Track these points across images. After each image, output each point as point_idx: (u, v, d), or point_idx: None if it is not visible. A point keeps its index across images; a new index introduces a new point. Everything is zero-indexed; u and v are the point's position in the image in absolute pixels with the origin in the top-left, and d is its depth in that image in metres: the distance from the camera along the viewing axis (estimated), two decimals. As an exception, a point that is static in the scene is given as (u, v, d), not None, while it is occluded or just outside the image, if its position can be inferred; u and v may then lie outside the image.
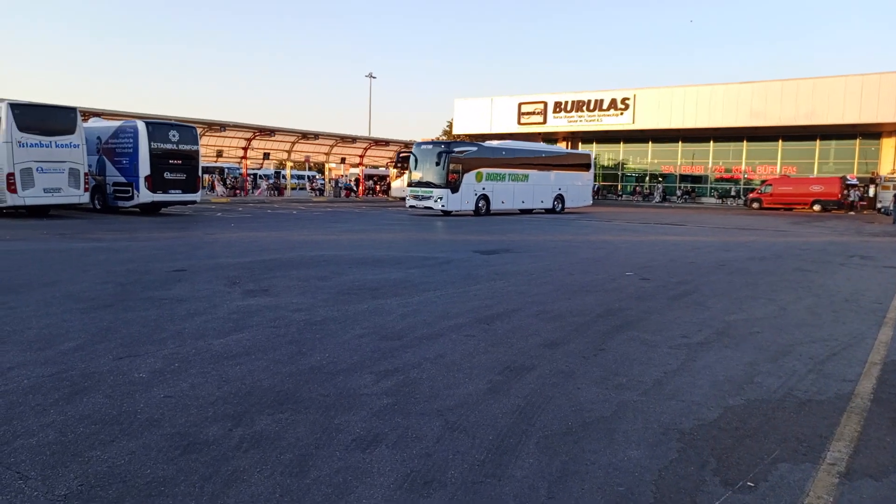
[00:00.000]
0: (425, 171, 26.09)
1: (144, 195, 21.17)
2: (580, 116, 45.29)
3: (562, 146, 47.57)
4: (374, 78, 62.27)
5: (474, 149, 26.89)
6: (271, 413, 4.04)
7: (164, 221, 19.59)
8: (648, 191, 48.53)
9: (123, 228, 16.67)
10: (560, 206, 30.94)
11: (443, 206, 25.52)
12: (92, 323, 6.20)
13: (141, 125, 21.17)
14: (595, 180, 52.61)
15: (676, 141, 48.13)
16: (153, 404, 4.13)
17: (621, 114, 43.76)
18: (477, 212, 26.72)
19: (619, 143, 51.15)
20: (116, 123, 22.59)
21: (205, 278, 8.97)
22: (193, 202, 23.48)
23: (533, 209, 29.96)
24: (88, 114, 25.36)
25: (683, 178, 48.81)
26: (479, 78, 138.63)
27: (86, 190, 20.08)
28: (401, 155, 30.86)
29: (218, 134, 35.83)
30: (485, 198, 27.05)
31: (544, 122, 46.25)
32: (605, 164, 53.20)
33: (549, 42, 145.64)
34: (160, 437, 3.63)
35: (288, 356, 5.27)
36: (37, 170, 18.65)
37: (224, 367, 4.94)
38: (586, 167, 33.77)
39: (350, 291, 8.24)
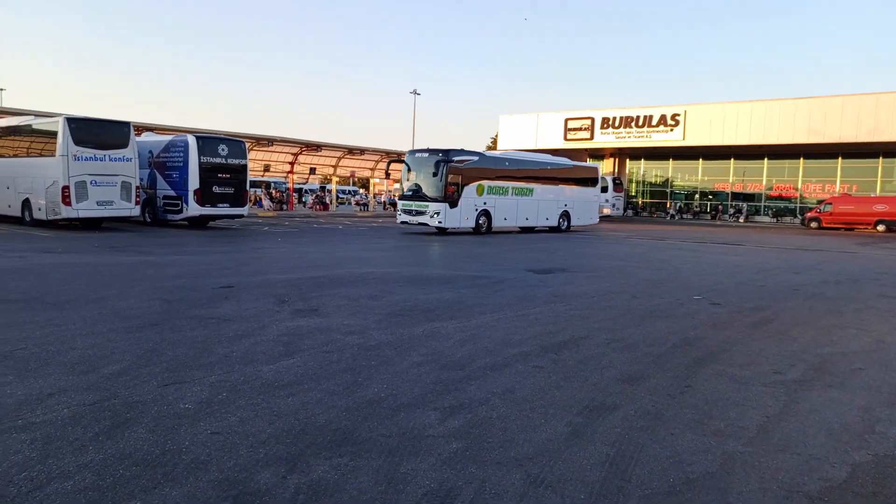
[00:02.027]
0: (420, 182, 23.29)
1: (193, 209, 21.27)
2: (628, 132, 44.40)
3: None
4: (419, 94, 62.41)
5: (475, 158, 24.15)
6: (329, 457, 3.59)
7: (212, 235, 19.59)
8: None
9: (172, 242, 16.65)
10: (566, 223, 28.51)
11: (440, 222, 22.70)
12: (137, 344, 5.89)
13: (191, 139, 21.31)
14: (642, 197, 51.61)
15: (728, 158, 46.79)
16: (199, 442, 3.73)
17: (671, 130, 42.73)
18: (477, 229, 24.10)
19: (667, 159, 50.03)
20: (167, 138, 22.84)
21: (252, 296, 8.66)
22: (241, 216, 23.54)
23: (536, 227, 27.57)
24: (141, 128, 25.78)
25: (735, 195, 47.34)
26: (525, 94, 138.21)
27: (137, 203, 20.22)
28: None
29: (265, 149, 36.18)
30: (486, 213, 24.42)
31: (591, 137, 45.51)
32: (653, 180, 52.11)
33: (597, 58, 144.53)
34: (206, 484, 3.21)
35: (343, 386, 4.84)
36: (91, 183, 18.86)
37: (275, 398, 4.53)
38: (593, 182, 30.87)
39: (402, 313, 7.80)
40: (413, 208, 23.40)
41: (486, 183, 24.29)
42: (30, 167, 19.92)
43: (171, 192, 21.73)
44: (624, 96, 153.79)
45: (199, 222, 22.73)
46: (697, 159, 48.40)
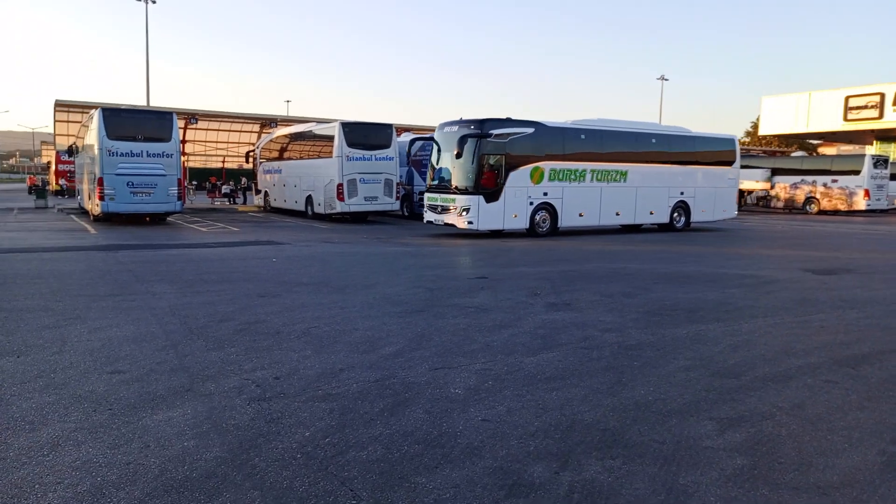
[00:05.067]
0: (447, 166, 17.17)
1: (445, 203, 22.58)
2: (931, 108, 37.14)
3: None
4: (666, 80, 59.05)
5: (529, 130, 17.02)
6: (600, 458, 3.47)
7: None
8: None
9: (428, 234, 17.84)
10: (682, 219, 20.71)
11: (470, 221, 16.33)
12: (407, 328, 6.36)
13: (444, 138, 22.63)
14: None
15: None
16: (471, 427, 3.87)
17: None
18: (532, 230, 17.25)
19: None
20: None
21: (506, 287, 8.88)
22: (488, 210, 24.42)
23: (640, 224, 20.09)
24: (401, 129, 28.09)
25: None
26: (790, 73, 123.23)
27: (397, 198, 22.12)
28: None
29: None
30: (548, 208, 17.48)
31: (880, 116, 38.94)
32: (964, 166, 43.05)
33: (883, 24, 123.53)
34: (482, 471, 3.30)
35: (607, 385, 4.69)
36: (360, 181, 21.07)
37: (539, 391, 4.54)
38: (728, 162, 21.84)
39: (661, 312, 7.38)
40: (438, 203, 17.35)
41: (546, 165, 17.41)
42: (312, 167, 22.87)
43: (427, 188, 23.32)
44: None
45: (449, 216, 24.10)
46: None
